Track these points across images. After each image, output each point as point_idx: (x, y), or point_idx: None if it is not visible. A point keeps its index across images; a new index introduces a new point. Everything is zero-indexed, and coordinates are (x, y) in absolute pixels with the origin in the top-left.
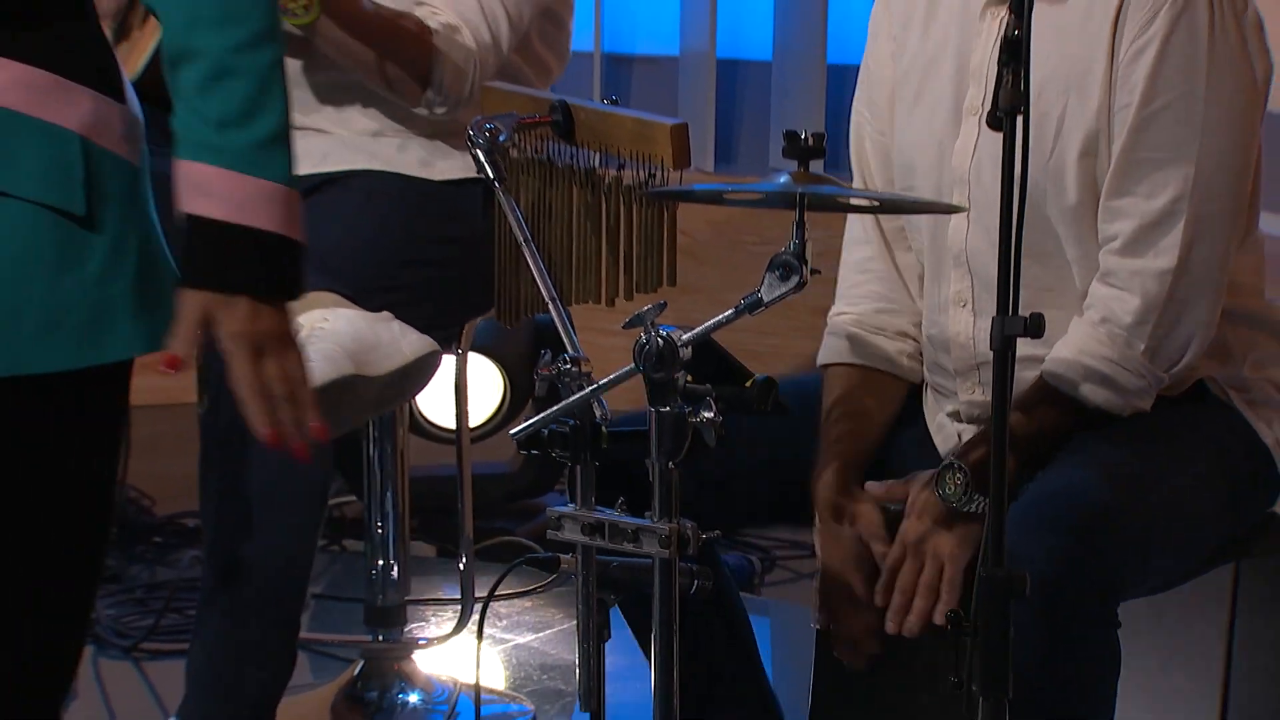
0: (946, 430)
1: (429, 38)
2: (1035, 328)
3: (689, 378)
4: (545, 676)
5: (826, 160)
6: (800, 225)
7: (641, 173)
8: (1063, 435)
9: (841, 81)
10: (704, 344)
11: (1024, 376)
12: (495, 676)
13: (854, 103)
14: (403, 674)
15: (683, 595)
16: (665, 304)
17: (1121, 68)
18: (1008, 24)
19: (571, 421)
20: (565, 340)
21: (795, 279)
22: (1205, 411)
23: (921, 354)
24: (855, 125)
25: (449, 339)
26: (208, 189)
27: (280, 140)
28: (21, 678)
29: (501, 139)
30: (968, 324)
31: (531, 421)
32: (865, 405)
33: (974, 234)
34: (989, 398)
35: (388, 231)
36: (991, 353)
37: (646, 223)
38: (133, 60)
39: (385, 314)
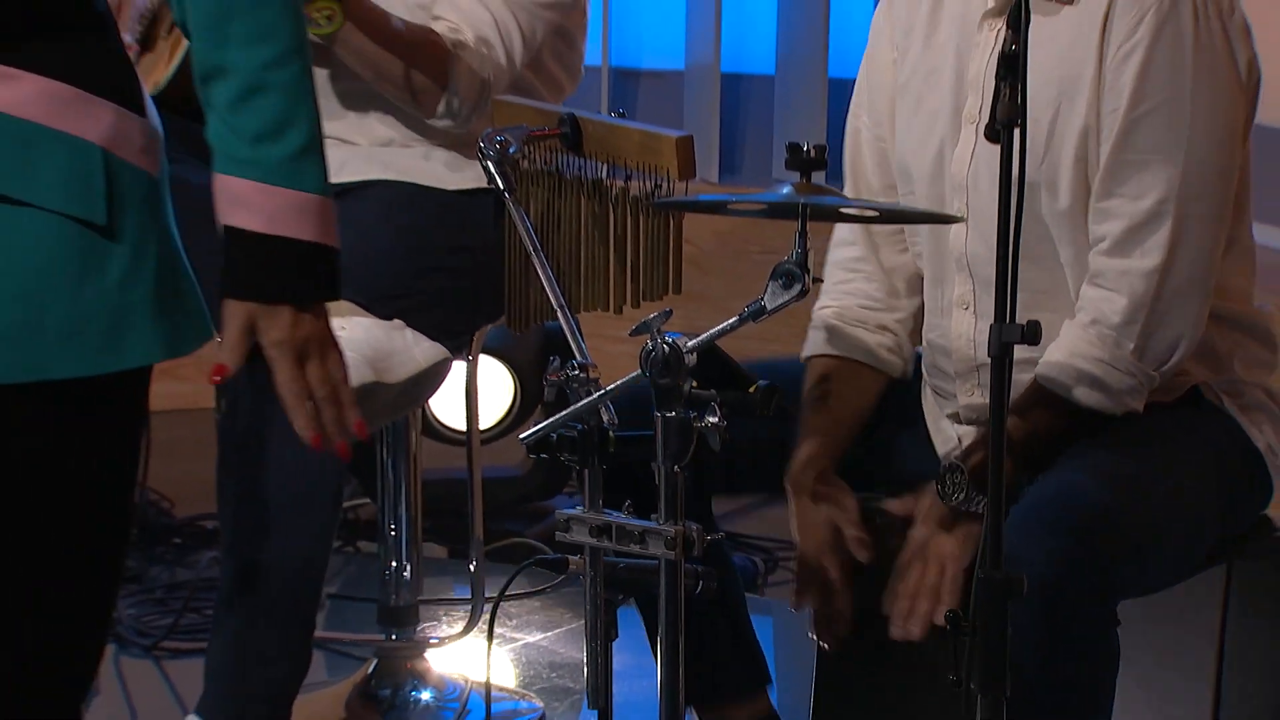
0: (946, 433)
1: (447, 52)
2: (1032, 335)
3: (694, 383)
4: (554, 675)
5: (828, 171)
6: (802, 235)
7: (648, 183)
8: (1059, 437)
9: (843, 95)
10: (709, 350)
11: (1020, 379)
12: (505, 675)
13: (851, 106)
14: (415, 672)
15: (688, 595)
16: (671, 311)
17: (1109, 72)
18: (1005, 39)
19: (580, 426)
20: (573, 347)
21: (798, 287)
22: (1200, 416)
23: (902, 349)
24: (852, 130)
25: (461, 346)
26: (245, 202)
27: (312, 151)
28: (45, 675)
29: (511, 151)
30: (969, 326)
31: (540, 426)
32: (843, 394)
33: (973, 239)
34: (988, 400)
35: (402, 240)
36: (990, 355)
37: (653, 232)
38: (158, 70)
39: (398, 322)
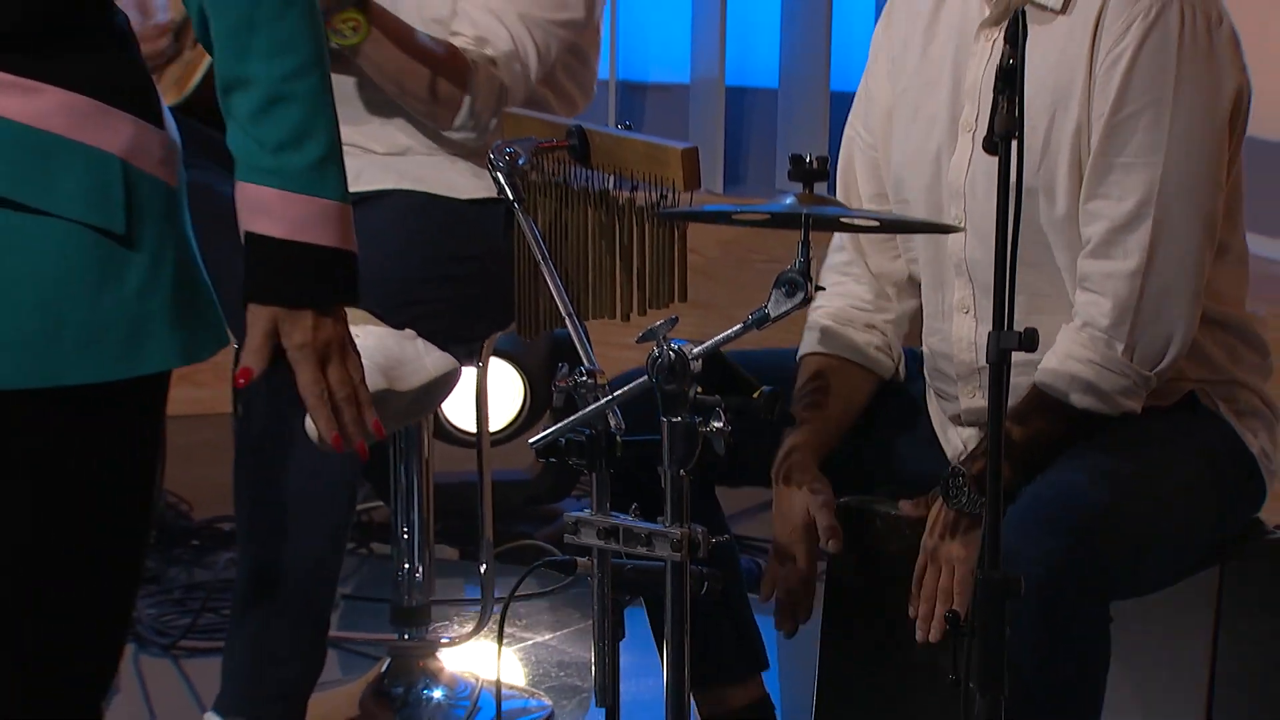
0: (949, 435)
1: (466, 66)
2: (1029, 342)
3: (699, 389)
4: (562, 673)
5: (830, 183)
6: (805, 244)
7: (654, 194)
8: (1057, 440)
9: (844, 108)
10: (713, 357)
11: (1019, 382)
12: (515, 673)
13: (849, 117)
14: (427, 671)
15: (693, 596)
16: (677, 319)
17: (1098, 77)
18: (1003, 52)
19: (587, 431)
20: (581, 354)
21: (800, 295)
22: (1195, 421)
23: (891, 348)
24: (847, 140)
25: (471, 352)
26: (268, 210)
27: (332, 159)
28: (66, 673)
29: (521, 162)
30: (970, 330)
31: (550, 431)
32: (832, 391)
33: (972, 244)
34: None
35: (414, 248)
36: (988, 361)
37: (659, 242)
38: (186, 79)
39: (409, 332)
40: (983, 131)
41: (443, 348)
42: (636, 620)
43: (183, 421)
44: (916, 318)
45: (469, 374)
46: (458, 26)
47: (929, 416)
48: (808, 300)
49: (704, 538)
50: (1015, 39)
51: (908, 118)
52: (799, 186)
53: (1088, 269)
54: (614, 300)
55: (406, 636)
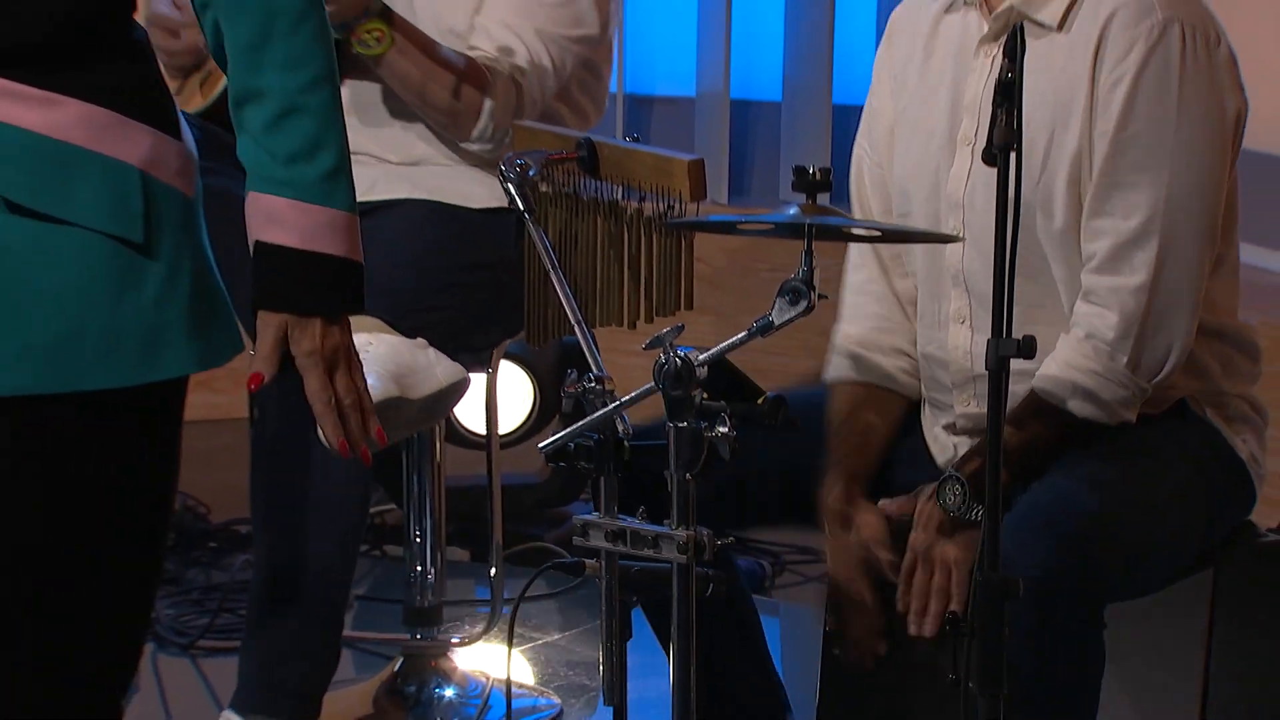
0: (942, 441)
1: (484, 78)
2: (1028, 349)
3: (705, 395)
4: (571, 673)
5: (832, 193)
6: (808, 254)
7: (661, 205)
8: (1054, 447)
9: (846, 120)
10: (719, 363)
11: (1015, 390)
12: (524, 673)
13: (857, 136)
14: (439, 670)
15: (699, 598)
16: (683, 326)
17: (1100, 96)
18: (1002, 66)
19: (596, 436)
20: (590, 360)
21: (804, 304)
22: (1186, 428)
23: (916, 369)
24: (855, 159)
25: (482, 359)
26: (280, 219)
27: (342, 171)
28: (86, 672)
29: (531, 173)
30: (966, 339)
31: (559, 436)
32: (868, 420)
33: (970, 255)
34: (984, 410)
35: (426, 256)
36: (986, 368)
37: (666, 251)
38: (208, 88)
39: (421, 341)
40: (982, 145)
41: (454, 354)
42: (644, 621)
43: (201, 427)
44: None
45: (480, 378)
46: (476, 40)
47: (922, 425)
48: (811, 308)
49: (709, 540)
50: (1014, 53)
51: (908, 132)
52: (802, 197)
53: (1093, 283)
54: (622, 308)
55: (419, 636)
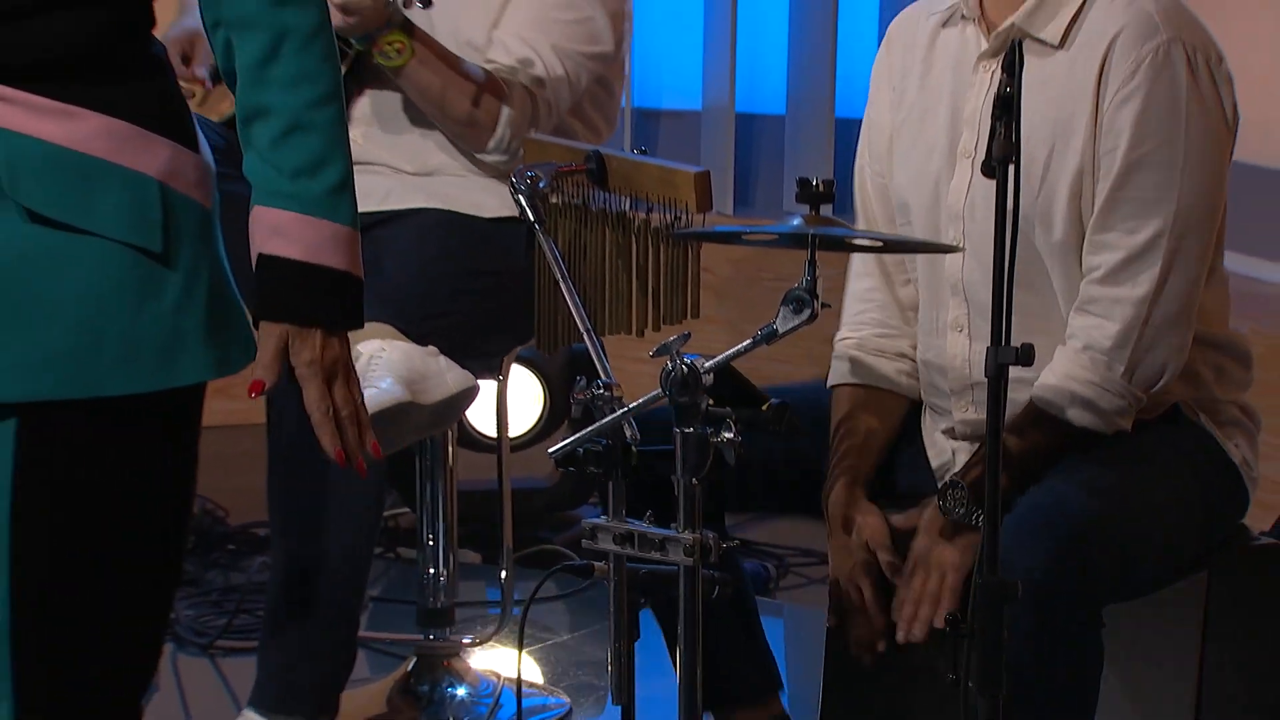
0: (940, 446)
1: (502, 91)
2: (1026, 357)
3: (711, 401)
4: (580, 672)
5: (835, 204)
6: (812, 263)
7: (668, 216)
8: (1052, 454)
9: (849, 133)
10: (724, 371)
11: (1013, 398)
12: (534, 672)
13: (858, 146)
14: (451, 670)
15: (705, 599)
16: (689, 334)
17: (1106, 115)
18: (1001, 80)
19: (604, 441)
20: (599, 367)
21: (807, 312)
22: (1180, 432)
23: (917, 372)
24: (858, 169)
25: (493, 367)
26: (284, 232)
27: (346, 187)
28: (106, 672)
29: (542, 185)
30: (964, 347)
31: (568, 441)
32: (868, 423)
33: (969, 266)
34: (982, 416)
35: (436, 263)
36: (985, 375)
37: (672, 261)
38: (227, 101)
39: (432, 349)
40: (981, 157)
41: (462, 360)
42: (651, 622)
43: (220, 432)
44: None
45: (492, 385)
46: (493, 54)
47: (922, 430)
48: (814, 317)
49: (715, 543)
50: (1013, 69)
51: (909, 144)
52: (805, 208)
53: (1094, 293)
54: (630, 316)
55: (432, 637)
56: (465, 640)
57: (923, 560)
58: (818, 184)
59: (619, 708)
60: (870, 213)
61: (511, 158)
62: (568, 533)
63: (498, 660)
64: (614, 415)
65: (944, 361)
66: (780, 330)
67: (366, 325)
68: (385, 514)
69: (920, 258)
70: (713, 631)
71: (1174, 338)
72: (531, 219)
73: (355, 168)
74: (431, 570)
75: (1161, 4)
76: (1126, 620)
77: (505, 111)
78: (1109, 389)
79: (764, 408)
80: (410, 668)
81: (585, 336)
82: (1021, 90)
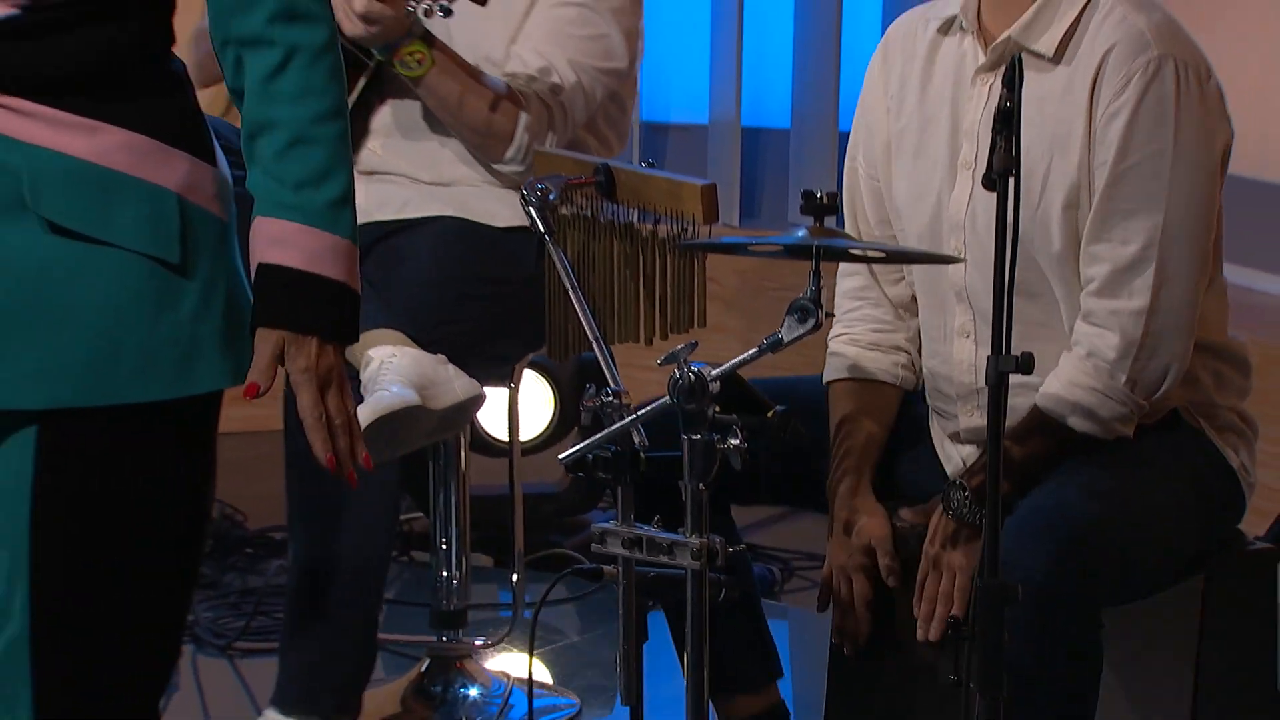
0: (947, 450)
1: (519, 102)
2: (1026, 365)
3: (717, 409)
4: (590, 673)
5: (839, 216)
6: (816, 274)
7: (675, 227)
8: (1053, 459)
9: None
10: (730, 379)
11: (1017, 403)
12: (545, 673)
13: (848, 148)
14: (464, 671)
15: (712, 602)
16: (696, 343)
17: (1098, 128)
18: (1001, 95)
19: (613, 448)
20: (608, 375)
21: (812, 321)
22: (1179, 438)
23: (914, 364)
24: (849, 170)
25: (505, 374)
26: (285, 242)
27: (347, 201)
28: (126, 676)
29: (552, 197)
30: (970, 353)
31: (578, 447)
32: (868, 418)
33: (972, 274)
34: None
35: (445, 270)
36: (987, 383)
37: (679, 271)
38: None
39: (441, 356)
40: (982, 169)
41: (469, 365)
42: (659, 624)
43: (238, 438)
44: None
45: (503, 392)
46: (511, 67)
47: (931, 435)
48: (818, 326)
49: (721, 547)
50: (1013, 83)
51: (909, 155)
52: (810, 220)
53: (1093, 306)
54: (638, 325)
55: (445, 639)
56: (477, 642)
57: (935, 563)
58: (822, 196)
59: (628, 708)
60: (862, 215)
61: (528, 169)
62: (578, 537)
63: (509, 662)
64: (623, 422)
65: (950, 367)
66: (785, 339)
67: (379, 332)
68: (400, 518)
69: (921, 265)
70: (714, 620)
71: (1175, 345)
72: (542, 230)
73: (375, 177)
74: (445, 573)
75: (1154, 20)
76: (1125, 623)
77: (523, 121)
78: (1112, 396)
79: (769, 415)
80: (424, 669)
81: (594, 345)
82: (1021, 105)
